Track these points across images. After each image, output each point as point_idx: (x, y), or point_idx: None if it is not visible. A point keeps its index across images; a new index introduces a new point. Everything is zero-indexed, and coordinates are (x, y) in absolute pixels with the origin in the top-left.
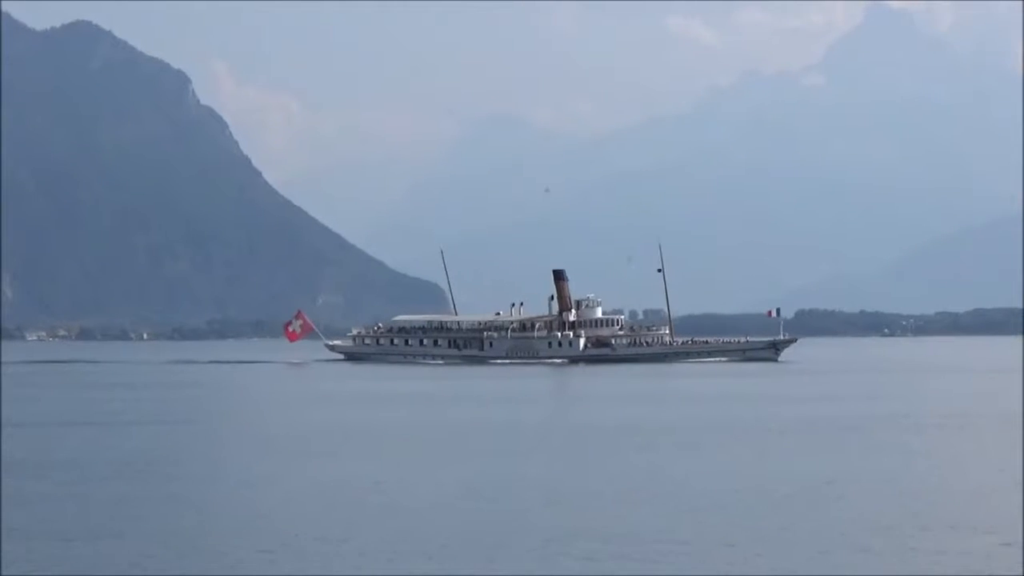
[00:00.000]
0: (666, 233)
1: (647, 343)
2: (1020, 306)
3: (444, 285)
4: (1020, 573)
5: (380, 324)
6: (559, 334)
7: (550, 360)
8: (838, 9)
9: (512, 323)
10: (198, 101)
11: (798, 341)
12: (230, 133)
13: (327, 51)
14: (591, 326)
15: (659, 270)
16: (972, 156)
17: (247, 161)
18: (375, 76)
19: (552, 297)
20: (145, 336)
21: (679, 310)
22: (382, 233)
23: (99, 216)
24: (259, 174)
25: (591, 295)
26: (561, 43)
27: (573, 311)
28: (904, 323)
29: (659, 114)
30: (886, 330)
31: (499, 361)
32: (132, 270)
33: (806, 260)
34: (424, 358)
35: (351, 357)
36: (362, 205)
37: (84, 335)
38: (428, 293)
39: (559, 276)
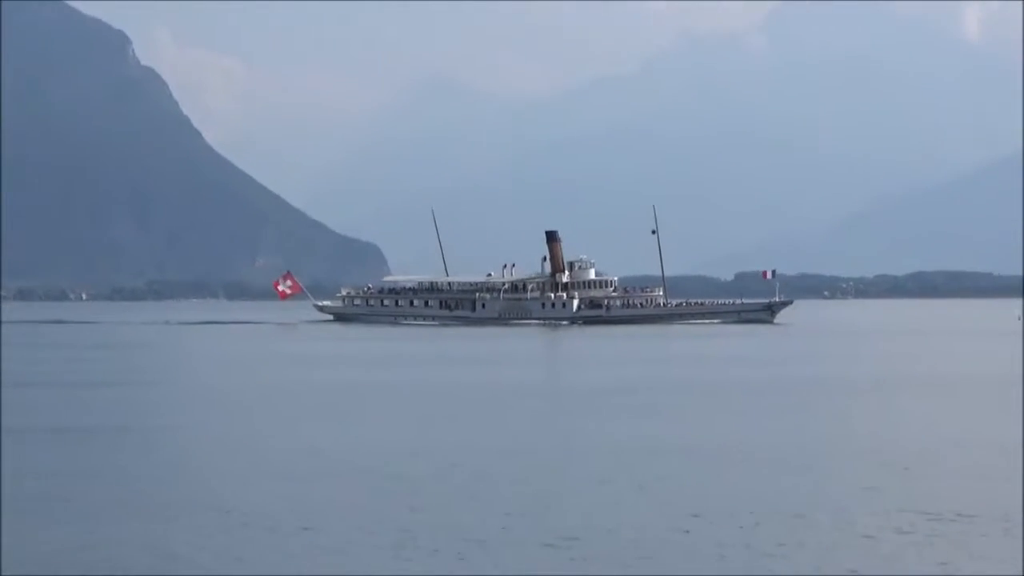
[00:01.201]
0: (608, 195)
1: (641, 304)
2: (959, 269)
3: (383, 246)
4: (1020, 573)
5: (370, 285)
6: (552, 295)
7: (543, 321)
8: None
9: (504, 284)
10: (139, 62)
11: (794, 304)
12: (171, 94)
13: (268, 13)
14: (584, 287)
15: (653, 231)
16: (915, 119)
17: (187, 122)
18: (317, 38)
19: (545, 258)
20: (84, 296)
21: (622, 271)
22: (323, 195)
23: (39, 176)
24: (199, 135)
25: (584, 256)
26: (503, 5)
27: (566, 272)
28: (844, 286)
29: (602, 76)
30: (826, 292)
31: (491, 322)
32: (72, 231)
33: (748, 222)
34: (415, 319)
35: (340, 318)
36: (303, 167)
37: (23, 295)
38: (368, 255)
39: (552, 237)
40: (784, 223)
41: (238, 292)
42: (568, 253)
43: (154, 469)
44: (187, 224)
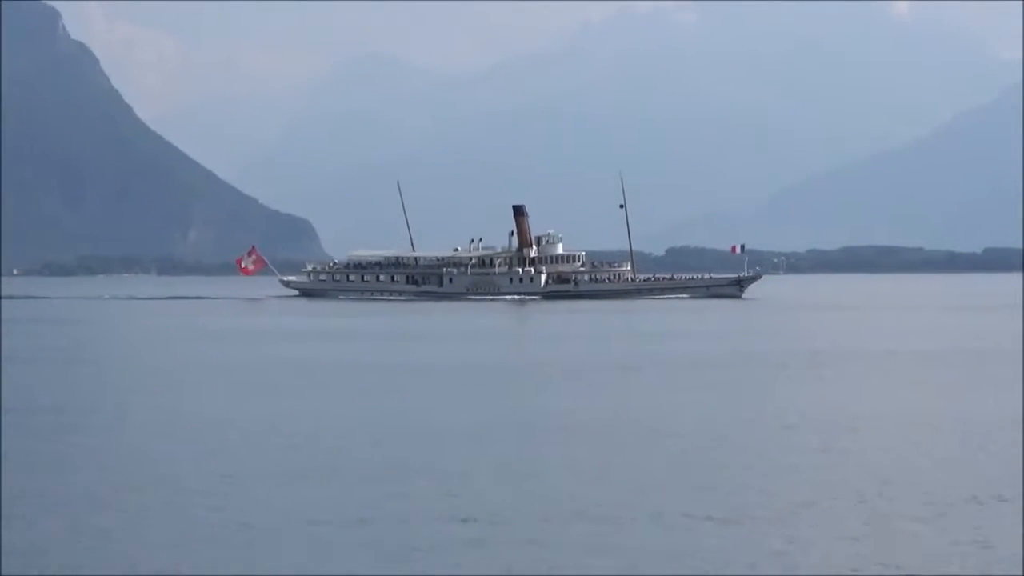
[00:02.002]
0: (540, 171)
1: (609, 279)
2: (889, 244)
3: (315, 221)
4: (1020, 573)
5: (335, 260)
6: (520, 270)
7: (511, 296)
8: None
9: (472, 259)
10: (69, 36)
11: (762, 278)
12: (101, 69)
13: None
14: (552, 262)
15: (621, 205)
16: (847, 95)
17: (118, 96)
18: (248, 12)
19: (512, 233)
20: (15, 272)
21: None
22: (255, 169)
23: None
24: (130, 110)
25: (551, 231)
26: None
27: (534, 247)
28: (776, 261)
29: (532, 51)
30: (757, 267)
31: (459, 297)
32: (1, 206)
33: (680, 198)
34: (381, 294)
35: (306, 293)
36: (235, 141)
37: None
38: (299, 229)
39: (519, 212)
40: (716, 198)
41: (170, 267)
42: (493, 227)
43: (90, 448)
44: (118, 199)
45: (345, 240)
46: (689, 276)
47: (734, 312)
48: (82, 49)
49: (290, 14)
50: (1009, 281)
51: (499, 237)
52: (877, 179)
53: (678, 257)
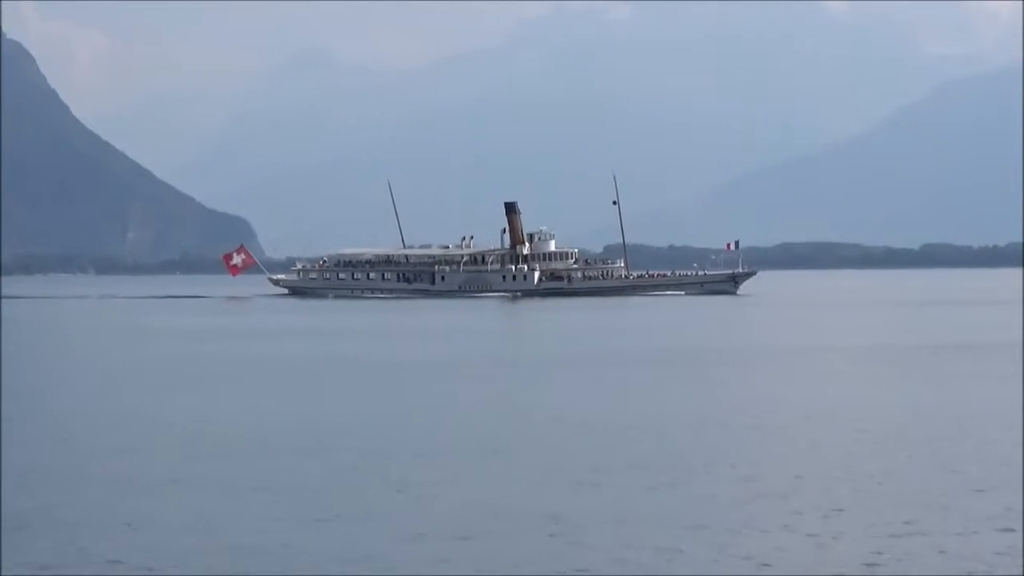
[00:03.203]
0: (478, 167)
1: (602, 276)
2: (827, 240)
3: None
4: (1020, 573)
5: (325, 258)
6: (513, 267)
7: (504, 294)
8: None
9: (464, 256)
10: (4, 35)
11: (757, 274)
12: (37, 68)
13: None
14: (545, 259)
15: (614, 202)
16: (784, 91)
17: (55, 95)
18: (184, 8)
19: (504, 230)
20: None
21: (494, 243)
22: (193, 168)
23: None
24: (67, 109)
25: (544, 228)
26: None
27: (527, 244)
28: (713, 258)
29: (468, 48)
30: (695, 265)
31: (451, 295)
32: None
33: (617, 192)
34: (372, 292)
35: (296, 292)
36: (173, 140)
37: None
38: (238, 228)
39: (511, 209)
40: (653, 195)
41: (109, 266)
42: (434, 226)
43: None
44: (55, 199)
45: (286, 240)
46: (683, 272)
47: (713, 309)
48: (17, 48)
49: (227, 10)
50: (947, 277)
51: (437, 233)
52: (815, 176)
53: (615, 254)
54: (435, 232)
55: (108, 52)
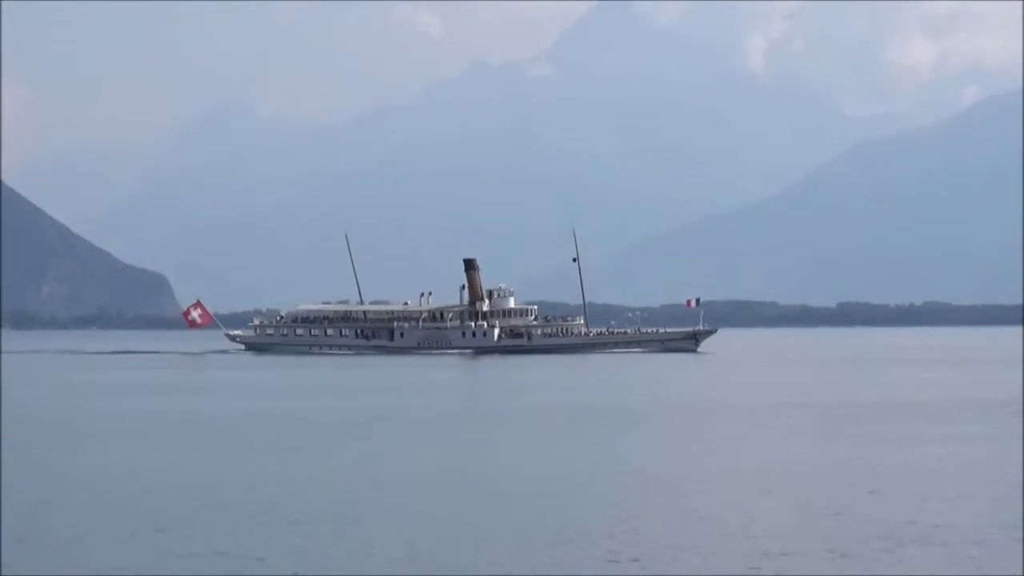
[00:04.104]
0: (390, 224)
1: (562, 333)
2: (744, 298)
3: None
4: (1020, 573)
5: (283, 314)
6: (473, 324)
7: (464, 350)
8: None
9: (423, 312)
10: None
11: (717, 332)
12: None
13: (55, 38)
14: (505, 316)
15: (574, 259)
16: (700, 149)
17: None
18: (106, 65)
19: (463, 286)
20: None
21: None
22: (110, 223)
23: None
24: None
25: (503, 285)
26: (286, 31)
27: (486, 301)
28: (631, 315)
29: (386, 104)
30: (612, 323)
31: (411, 351)
32: None
33: (533, 252)
34: (330, 348)
35: (253, 347)
36: (88, 195)
37: None
38: (153, 284)
39: (470, 265)
40: (568, 252)
41: (25, 322)
42: (343, 283)
43: None
44: None
45: (203, 296)
46: (644, 330)
47: (669, 367)
48: None
49: (141, 63)
50: (861, 336)
51: (348, 290)
52: (731, 235)
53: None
54: (345, 288)
55: (27, 105)
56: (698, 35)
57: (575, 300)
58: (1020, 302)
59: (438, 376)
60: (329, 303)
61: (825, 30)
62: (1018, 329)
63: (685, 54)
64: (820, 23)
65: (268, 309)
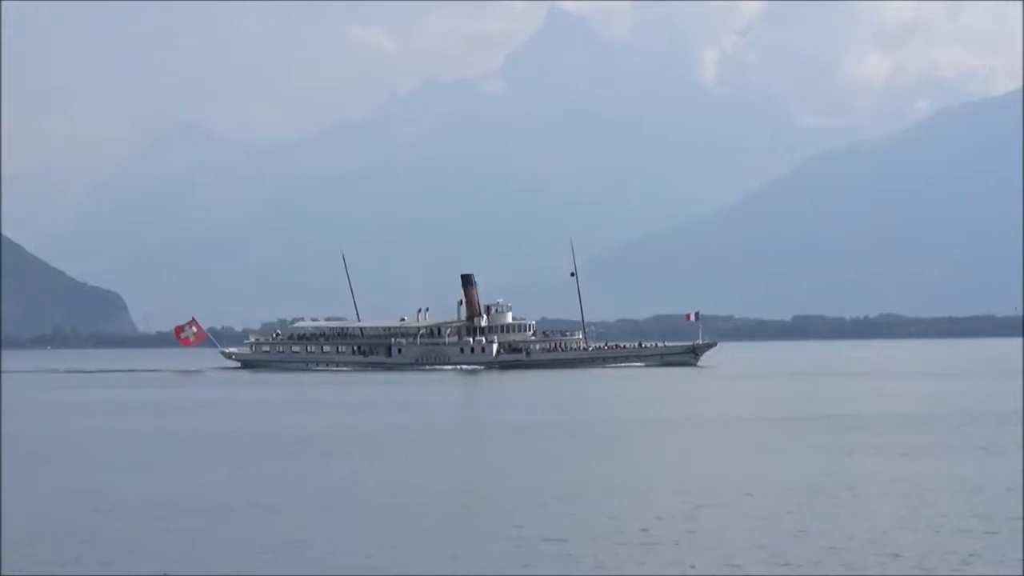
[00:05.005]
0: (347, 239)
1: (561, 348)
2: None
3: (126, 294)
4: (1020, 573)
5: (279, 331)
6: (471, 340)
7: (462, 367)
8: (519, 11)
9: (421, 329)
10: None
11: (717, 345)
12: None
13: (12, 57)
14: (503, 331)
15: (572, 274)
16: (655, 162)
17: None
18: (56, 80)
19: (461, 302)
20: None
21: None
22: (64, 243)
23: None
24: None
25: (500, 300)
26: (242, 49)
27: (484, 316)
28: (588, 330)
29: (340, 121)
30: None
31: (409, 368)
32: None
33: (488, 266)
34: (327, 365)
35: (249, 365)
36: (43, 214)
37: None
38: (109, 303)
39: (467, 281)
40: (524, 268)
41: None
42: (288, 300)
43: None
44: None
45: (159, 313)
46: (644, 344)
47: (669, 380)
48: None
49: (103, 84)
50: (818, 349)
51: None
52: (685, 247)
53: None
54: (322, 306)
55: None
56: (649, 48)
57: (535, 315)
58: (974, 314)
59: (439, 392)
60: (317, 319)
61: (779, 42)
62: (978, 341)
63: (638, 66)
64: (774, 35)
65: (244, 328)
